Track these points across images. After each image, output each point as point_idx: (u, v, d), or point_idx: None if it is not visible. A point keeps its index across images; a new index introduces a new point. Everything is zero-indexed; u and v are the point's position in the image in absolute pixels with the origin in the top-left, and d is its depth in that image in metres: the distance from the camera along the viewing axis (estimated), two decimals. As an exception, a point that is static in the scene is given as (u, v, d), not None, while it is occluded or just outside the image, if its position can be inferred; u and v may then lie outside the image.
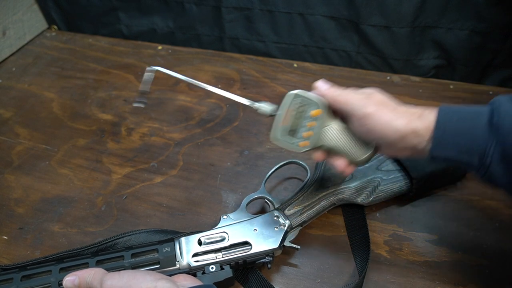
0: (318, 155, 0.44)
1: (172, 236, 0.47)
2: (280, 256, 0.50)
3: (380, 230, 0.53)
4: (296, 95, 0.42)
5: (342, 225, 0.54)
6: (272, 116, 0.43)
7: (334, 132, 0.43)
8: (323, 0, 0.74)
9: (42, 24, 0.96)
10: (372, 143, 0.42)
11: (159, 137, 0.68)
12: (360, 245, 0.51)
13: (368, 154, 0.43)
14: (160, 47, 0.89)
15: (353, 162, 0.44)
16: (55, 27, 0.97)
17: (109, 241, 0.48)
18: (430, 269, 0.49)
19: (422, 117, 0.38)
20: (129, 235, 0.49)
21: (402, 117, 0.38)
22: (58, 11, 0.95)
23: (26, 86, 0.81)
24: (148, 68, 0.42)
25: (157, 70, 0.43)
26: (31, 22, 0.93)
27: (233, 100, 0.44)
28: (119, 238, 0.48)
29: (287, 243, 0.47)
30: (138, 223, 0.55)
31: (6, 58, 0.88)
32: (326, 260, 0.50)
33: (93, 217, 0.56)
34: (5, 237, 0.54)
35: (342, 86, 0.42)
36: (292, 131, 0.43)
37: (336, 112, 0.43)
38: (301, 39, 0.81)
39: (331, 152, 0.44)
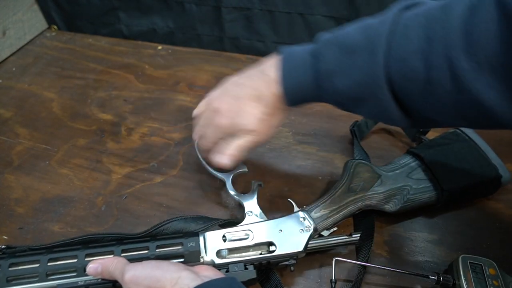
0: None
1: (197, 230, 0.46)
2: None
3: (380, 230, 0.53)
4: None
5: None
6: None
7: None
8: (323, 0, 0.75)
9: (42, 24, 0.96)
10: None
11: (159, 137, 0.68)
12: (360, 245, 0.51)
13: None
14: (160, 47, 0.89)
15: None
16: (55, 27, 0.97)
17: (152, 231, 0.47)
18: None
19: None
20: (166, 224, 0.48)
21: None
22: (58, 11, 0.95)
23: (26, 86, 0.81)
24: None
25: None
26: (31, 22, 0.93)
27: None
28: (158, 228, 0.47)
29: None
30: (138, 223, 0.55)
31: (6, 58, 0.88)
32: (326, 259, 0.50)
33: (93, 217, 0.56)
34: (5, 237, 0.54)
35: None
36: None
37: None
38: (301, 39, 0.81)
39: None
